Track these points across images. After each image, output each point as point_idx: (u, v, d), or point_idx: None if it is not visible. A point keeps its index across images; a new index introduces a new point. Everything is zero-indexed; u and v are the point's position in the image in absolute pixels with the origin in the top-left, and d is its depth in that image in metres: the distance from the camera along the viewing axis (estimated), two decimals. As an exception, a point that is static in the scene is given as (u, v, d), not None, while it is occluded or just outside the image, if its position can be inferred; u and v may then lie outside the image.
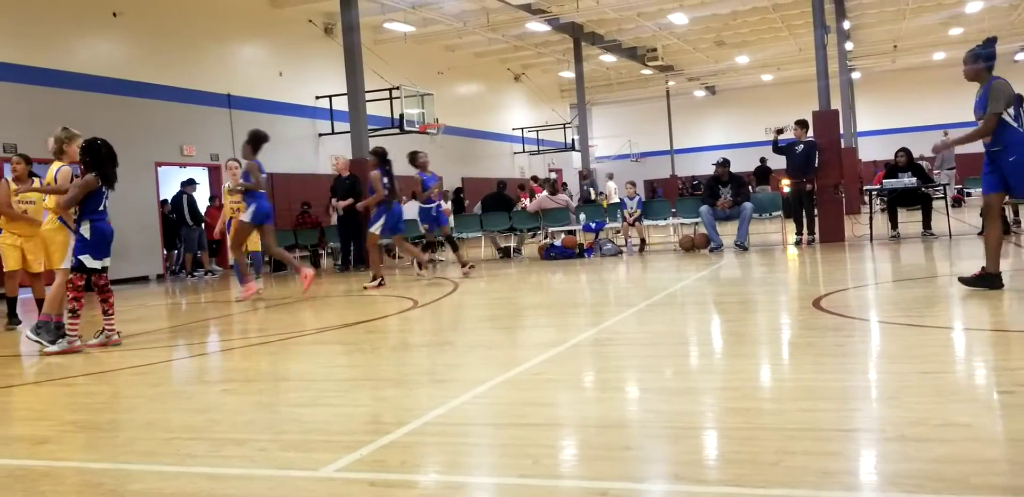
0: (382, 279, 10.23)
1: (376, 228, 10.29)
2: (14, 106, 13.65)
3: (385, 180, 10.26)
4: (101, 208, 6.44)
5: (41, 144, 14.36)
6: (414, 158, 11.10)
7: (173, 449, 3.37)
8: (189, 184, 16.27)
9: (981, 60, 6.25)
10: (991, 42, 6.38)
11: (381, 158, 10.45)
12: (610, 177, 26.24)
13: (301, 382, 4.72)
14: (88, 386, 5.11)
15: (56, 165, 6.85)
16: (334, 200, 14.45)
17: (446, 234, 11.85)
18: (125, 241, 15.45)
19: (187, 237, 16.04)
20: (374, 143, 16.32)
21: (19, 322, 8.57)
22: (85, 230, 6.33)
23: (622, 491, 2.53)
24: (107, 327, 6.57)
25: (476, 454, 3.13)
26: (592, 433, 3.24)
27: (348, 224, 14.07)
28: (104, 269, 6.49)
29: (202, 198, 17.62)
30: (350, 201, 13.58)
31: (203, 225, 16.18)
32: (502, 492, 2.64)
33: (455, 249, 11.77)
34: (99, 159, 6.43)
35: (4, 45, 13.71)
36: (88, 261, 6.34)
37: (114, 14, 15.68)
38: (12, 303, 8.70)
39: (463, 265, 11.06)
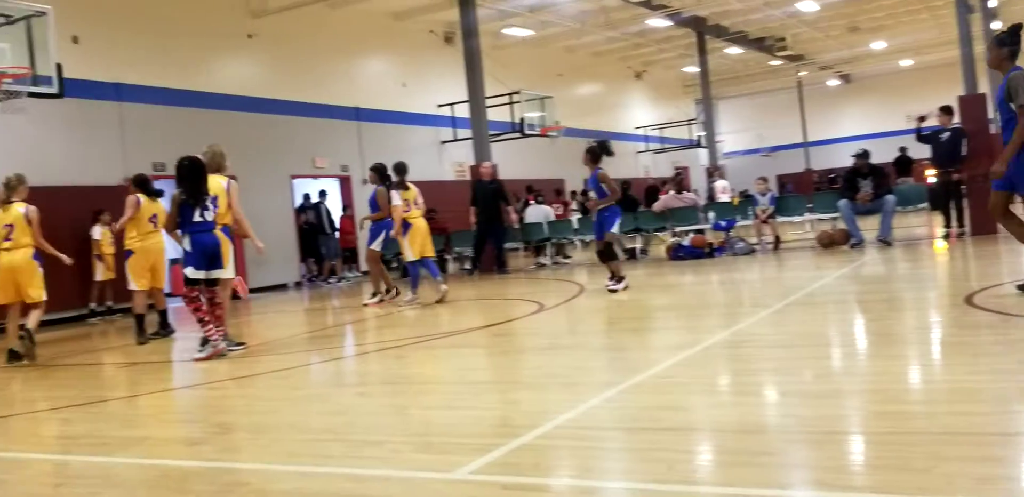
0: (382, 295, 10.21)
1: (376, 245, 10.27)
2: (160, 127, 14.48)
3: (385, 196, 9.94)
4: (196, 220, 6.62)
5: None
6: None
7: (313, 450, 3.48)
8: (323, 195, 16.91)
9: (1005, 47, 5.89)
10: (1016, 29, 5.92)
11: (380, 174, 10.05)
12: (711, 174, 23.84)
13: (432, 385, 4.80)
14: (233, 390, 5.35)
15: (221, 178, 7.09)
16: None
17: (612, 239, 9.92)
18: (268, 251, 16.18)
19: (326, 245, 16.67)
20: (496, 148, 16.53)
21: (172, 331, 9.05)
22: (186, 243, 6.65)
23: (763, 498, 2.44)
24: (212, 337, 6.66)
25: (608, 458, 3.09)
26: (728, 438, 3.14)
27: (489, 229, 14.03)
28: (211, 281, 6.68)
29: (334, 208, 18.24)
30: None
31: (337, 234, 16.78)
32: (637, 497, 2.59)
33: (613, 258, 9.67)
34: (181, 176, 6.69)
35: (149, 70, 14.57)
36: (190, 272, 6.60)
37: (249, 36, 16.46)
38: (163, 313, 9.16)
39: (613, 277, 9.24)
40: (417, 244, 9.57)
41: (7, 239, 7.72)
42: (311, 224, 16.83)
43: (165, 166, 14.48)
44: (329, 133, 17.99)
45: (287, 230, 16.84)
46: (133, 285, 8.58)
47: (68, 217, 12.92)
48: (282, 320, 9.89)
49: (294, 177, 17.26)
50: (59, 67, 10.73)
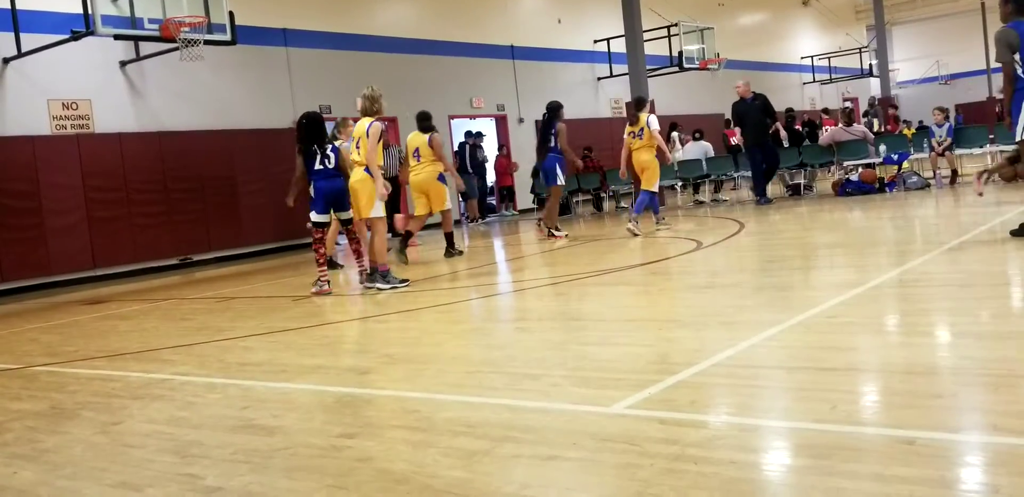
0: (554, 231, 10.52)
1: (561, 180, 10.48)
2: (325, 70, 15.01)
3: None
4: (317, 168, 7.18)
5: (349, 105, 15.71)
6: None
7: (476, 382, 3.63)
8: (468, 136, 17.10)
9: (1010, 2, 6.03)
10: None
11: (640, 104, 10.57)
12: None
13: (590, 321, 4.86)
14: (399, 323, 5.62)
15: (366, 121, 7.28)
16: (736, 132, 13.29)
17: None
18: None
19: (469, 184, 16.95)
20: (653, 83, 16.13)
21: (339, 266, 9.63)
22: (311, 190, 7.28)
23: (931, 441, 2.37)
24: (360, 268, 7.45)
25: (768, 397, 3.06)
26: (896, 379, 3.04)
27: (761, 151, 12.53)
28: (344, 220, 7.41)
29: (489, 147, 18.45)
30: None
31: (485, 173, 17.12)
32: (797, 436, 2.57)
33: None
34: (299, 131, 7.36)
35: (314, 15, 15.04)
36: (313, 216, 7.23)
37: (405, -24, 16.66)
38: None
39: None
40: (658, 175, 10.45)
41: (417, 160, 9.29)
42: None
43: (331, 108, 15.04)
44: (485, 72, 18.10)
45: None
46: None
47: (248, 157, 13.74)
48: (442, 257, 10.20)
49: (452, 117, 17.54)
50: (231, 15, 11.29)
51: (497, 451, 2.66)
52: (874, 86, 29.86)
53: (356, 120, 9.26)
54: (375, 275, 7.23)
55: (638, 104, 10.59)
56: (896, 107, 15.36)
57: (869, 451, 2.35)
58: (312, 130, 7.25)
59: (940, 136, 12.39)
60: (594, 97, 20.95)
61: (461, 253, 9.79)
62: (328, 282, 7.40)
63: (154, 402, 3.93)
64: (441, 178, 9.30)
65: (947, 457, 2.29)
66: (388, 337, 5.12)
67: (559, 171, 10.32)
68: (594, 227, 12.30)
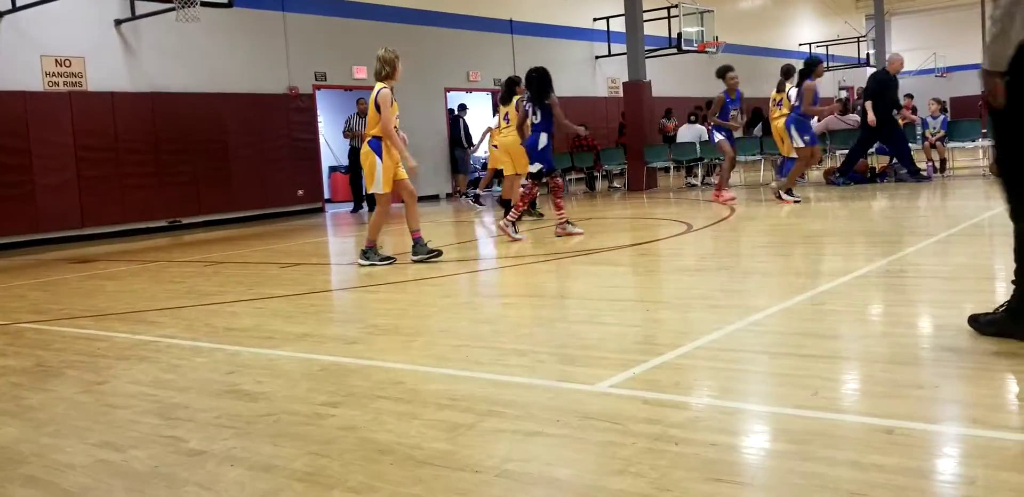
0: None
1: (803, 141, 9.95)
2: (321, 37, 14.86)
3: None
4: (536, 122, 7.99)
5: (345, 73, 15.57)
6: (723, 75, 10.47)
7: (463, 355, 3.65)
8: (462, 109, 17.00)
9: None
10: None
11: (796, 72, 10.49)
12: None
13: (578, 300, 4.89)
14: (389, 294, 5.63)
15: (378, 86, 6.71)
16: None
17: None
18: (419, 162, 16.59)
19: (461, 159, 16.88)
20: (651, 64, 16.06)
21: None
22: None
23: (910, 431, 2.40)
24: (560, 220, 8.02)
25: (751, 381, 3.10)
26: (878, 369, 3.08)
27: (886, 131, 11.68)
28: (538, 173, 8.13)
29: (484, 122, 18.36)
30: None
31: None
32: (777, 421, 2.60)
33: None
34: (529, 85, 8.04)
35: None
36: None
37: (407, -55, 16.47)
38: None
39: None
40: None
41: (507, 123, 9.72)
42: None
43: (326, 76, 14.92)
44: (483, 46, 17.97)
45: (439, 141, 17.14)
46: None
47: (241, 122, 13.63)
48: (432, 231, 10.18)
49: (448, 90, 17.43)
50: (229, -23, 11.16)
51: (480, 425, 2.69)
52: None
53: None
54: (417, 243, 6.93)
55: (786, 73, 11.10)
56: (911, 97, 15.11)
57: (848, 438, 2.38)
58: (544, 84, 7.78)
59: (934, 128, 12.41)
60: (591, 76, 20.85)
61: (541, 215, 10.20)
62: (570, 223, 8.06)
63: (140, 363, 3.93)
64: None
65: (925, 447, 2.33)
66: (376, 308, 5.13)
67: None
68: (586, 206, 12.31)
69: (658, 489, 2.09)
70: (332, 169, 16.95)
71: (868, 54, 28.95)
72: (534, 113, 8.10)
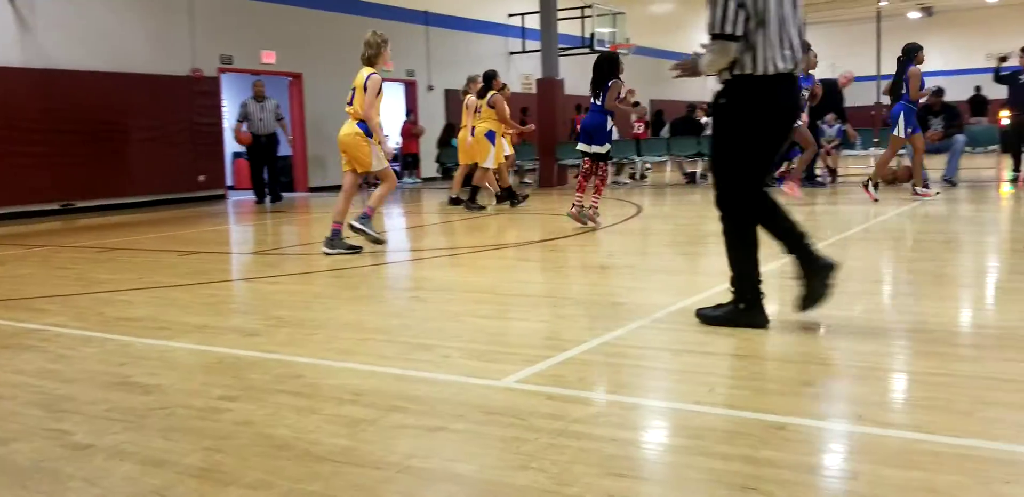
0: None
1: (902, 131, 9.67)
2: (228, 19, 14.44)
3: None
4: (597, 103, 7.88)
5: (252, 57, 15.18)
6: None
7: (367, 349, 3.61)
8: None
9: None
10: None
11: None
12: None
13: (486, 294, 4.89)
14: (293, 285, 5.52)
15: (366, 71, 6.69)
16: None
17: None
18: (329, 152, 16.33)
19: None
20: (564, 63, 16.20)
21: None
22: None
23: (800, 427, 2.49)
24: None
25: (652, 377, 3.16)
26: (773, 366, 3.19)
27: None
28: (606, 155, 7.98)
29: (396, 113, 18.19)
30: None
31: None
32: (676, 417, 2.66)
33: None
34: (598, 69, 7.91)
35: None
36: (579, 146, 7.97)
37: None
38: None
39: None
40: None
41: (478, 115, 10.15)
42: None
43: (232, 59, 14.53)
44: (397, 36, 17.68)
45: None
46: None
47: (142, 103, 13.14)
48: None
49: (359, 79, 17.18)
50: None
51: (383, 420, 2.66)
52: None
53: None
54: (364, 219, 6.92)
55: None
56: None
57: (742, 434, 2.45)
58: (614, 68, 7.85)
59: (830, 136, 12.89)
60: (505, 71, 20.87)
61: (483, 208, 10.45)
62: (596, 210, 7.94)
63: (24, 352, 3.76)
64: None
65: (813, 443, 2.42)
66: (278, 299, 5.02)
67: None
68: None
69: (559, 484, 2.11)
70: (236, 155, 16.52)
71: (772, 61, 29.80)
72: (597, 96, 8.10)
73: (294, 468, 2.30)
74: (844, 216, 8.94)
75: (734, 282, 3.79)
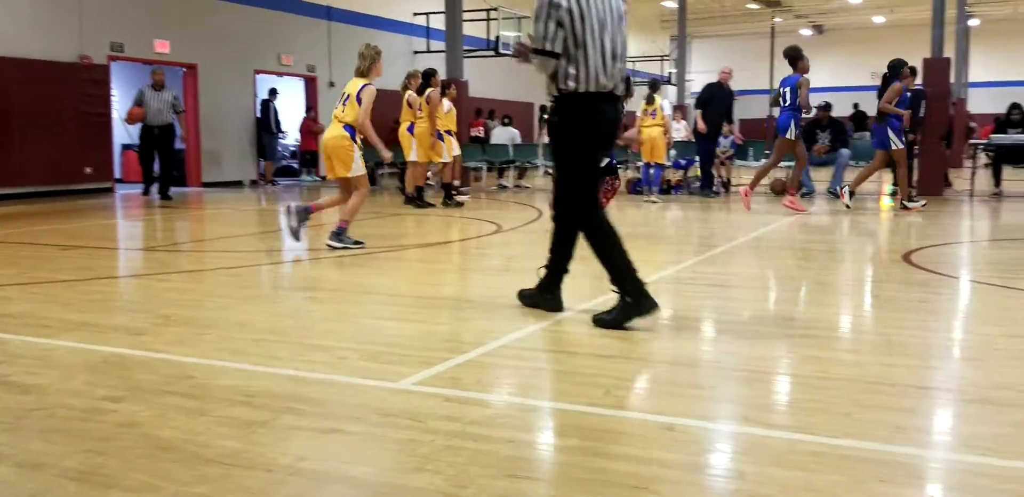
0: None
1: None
2: (119, 5, 13.89)
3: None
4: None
5: (145, 45, 14.63)
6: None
7: (260, 350, 3.53)
8: (273, 93, 16.48)
9: None
10: None
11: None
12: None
13: (384, 296, 4.85)
14: (183, 283, 5.35)
15: (360, 82, 6.76)
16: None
17: None
18: (223, 146, 15.89)
19: (269, 145, 16.36)
20: (468, 65, 16.21)
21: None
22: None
23: (689, 428, 2.57)
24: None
25: (549, 379, 3.20)
26: (664, 369, 3.27)
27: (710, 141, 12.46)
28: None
29: (295, 108, 17.87)
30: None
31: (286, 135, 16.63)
32: (571, 418, 2.70)
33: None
34: None
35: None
36: None
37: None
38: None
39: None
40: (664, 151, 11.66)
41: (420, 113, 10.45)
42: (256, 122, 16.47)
43: (123, 47, 14.00)
44: (298, 30, 17.46)
45: (246, 126, 16.49)
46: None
47: (27, 90, 12.50)
48: (235, 218, 9.80)
49: (258, 72, 16.80)
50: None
51: (275, 422, 2.61)
52: (671, 93, 31.60)
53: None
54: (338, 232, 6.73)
55: (653, 87, 11.66)
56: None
57: (633, 435, 2.51)
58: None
59: (724, 147, 13.31)
60: (408, 70, 20.76)
61: (460, 204, 10.71)
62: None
63: None
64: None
65: (701, 444, 2.49)
66: (168, 297, 4.86)
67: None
68: (398, 202, 12.24)
69: (455, 486, 2.12)
70: (125, 147, 15.91)
71: (670, 73, 30.56)
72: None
73: (181, 471, 2.23)
74: (735, 224, 9.25)
75: (613, 280, 3.98)
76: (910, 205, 9.99)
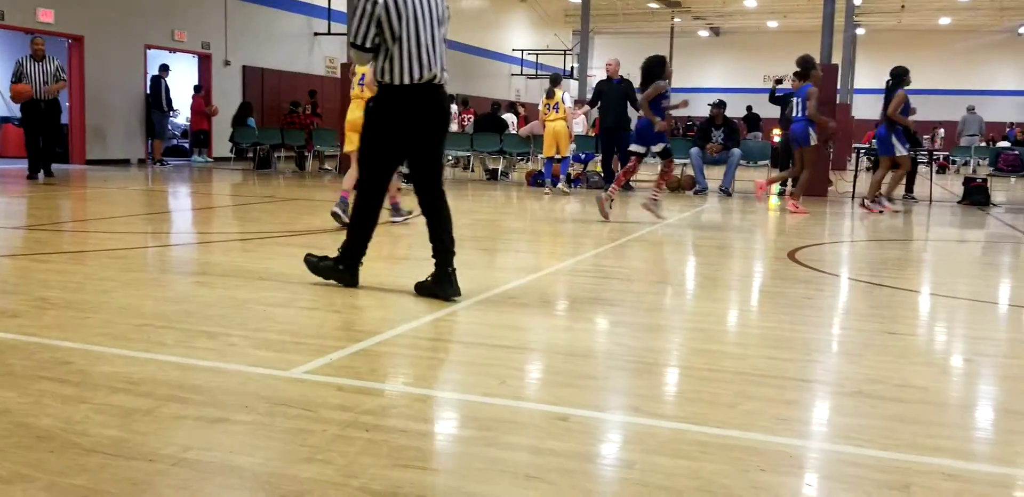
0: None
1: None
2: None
3: None
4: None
5: (23, 13, 13.90)
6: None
7: (144, 336, 3.40)
8: (164, 70, 15.88)
9: None
10: None
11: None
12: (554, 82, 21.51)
13: (278, 282, 4.74)
14: (64, 265, 5.11)
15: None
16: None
17: None
18: (110, 123, 15.21)
19: (159, 123, 15.78)
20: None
21: None
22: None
23: (582, 418, 2.60)
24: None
25: (445, 369, 3.19)
26: (559, 360, 3.31)
27: (614, 136, 12.36)
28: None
29: (188, 86, 17.27)
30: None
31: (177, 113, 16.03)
32: (467, 408, 2.70)
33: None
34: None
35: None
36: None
37: None
38: None
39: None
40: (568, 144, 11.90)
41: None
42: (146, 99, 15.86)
43: (3, 15, 13.26)
44: (193, 5, 16.85)
45: (135, 102, 15.84)
46: None
47: None
48: (121, 198, 9.40)
49: (149, 47, 16.15)
50: None
51: (159, 411, 2.52)
52: (572, 87, 31.93)
53: None
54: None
55: (554, 81, 11.69)
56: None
57: (528, 425, 2.53)
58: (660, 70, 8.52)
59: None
60: (308, 52, 20.34)
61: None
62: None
63: None
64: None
65: (594, 434, 2.53)
66: (46, 279, 4.62)
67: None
68: (294, 186, 11.99)
69: (346, 476, 2.09)
70: (3, 120, 15.06)
71: (573, 67, 30.88)
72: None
73: (56, 460, 2.13)
74: (631, 219, 9.42)
75: (346, 245, 4.48)
76: (873, 206, 10.21)
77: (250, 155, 15.71)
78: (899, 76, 10.19)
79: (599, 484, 2.14)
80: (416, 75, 4.18)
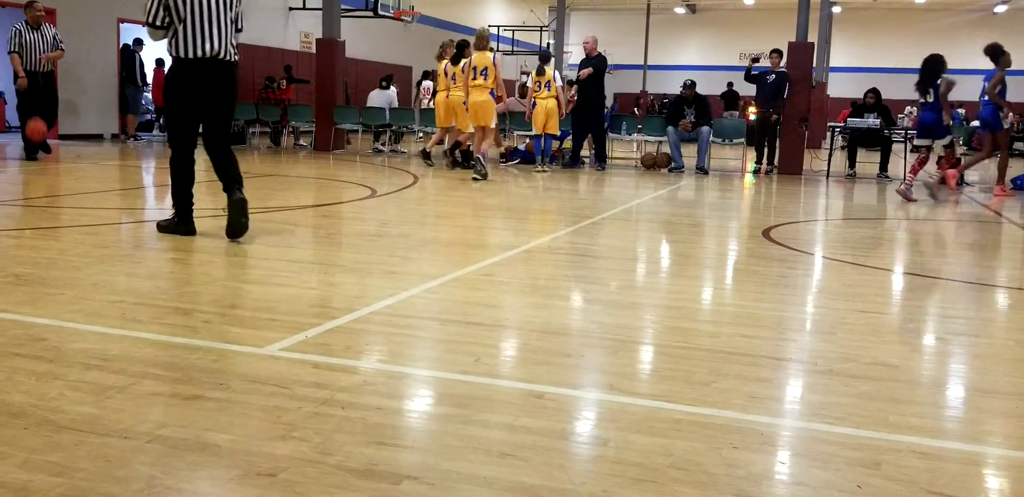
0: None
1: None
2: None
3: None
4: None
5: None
6: None
7: (118, 312, 3.38)
8: (138, 44, 15.59)
9: None
10: None
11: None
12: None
13: (252, 259, 4.71)
14: (36, 240, 5.05)
15: (488, 55, 10.11)
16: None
17: None
18: (83, 97, 14.97)
19: (132, 98, 15.52)
20: (347, 24, 15.78)
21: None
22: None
23: (557, 396, 2.62)
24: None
25: (420, 347, 3.20)
26: (534, 338, 3.32)
27: (588, 115, 12.33)
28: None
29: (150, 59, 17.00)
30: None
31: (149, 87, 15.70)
32: (442, 386, 2.71)
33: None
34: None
35: None
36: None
37: None
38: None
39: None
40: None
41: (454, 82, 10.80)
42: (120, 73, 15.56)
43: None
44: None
45: (108, 77, 15.57)
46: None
47: None
48: (94, 173, 9.27)
49: (122, 21, 15.85)
50: None
51: (134, 388, 2.51)
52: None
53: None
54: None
55: (544, 59, 11.72)
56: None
57: (503, 402, 2.54)
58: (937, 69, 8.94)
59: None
60: (283, 27, 20.07)
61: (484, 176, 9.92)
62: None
63: None
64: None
65: (569, 411, 2.55)
66: (17, 254, 4.57)
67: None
68: (270, 163, 11.88)
69: (321, 453, 2.09)
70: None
71: (549, 44, 30.70)
72: (927, 94, 9.21)
73: (30, 438, 2.12)
74: (607, 197, 9.44)
75: (173, 203, 5.20)
76: (1003, 190, 10.11)
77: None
78: (996, 56, 9.85)
79: (573, 461, 2.16)
80: (199, 51, 4.95)
